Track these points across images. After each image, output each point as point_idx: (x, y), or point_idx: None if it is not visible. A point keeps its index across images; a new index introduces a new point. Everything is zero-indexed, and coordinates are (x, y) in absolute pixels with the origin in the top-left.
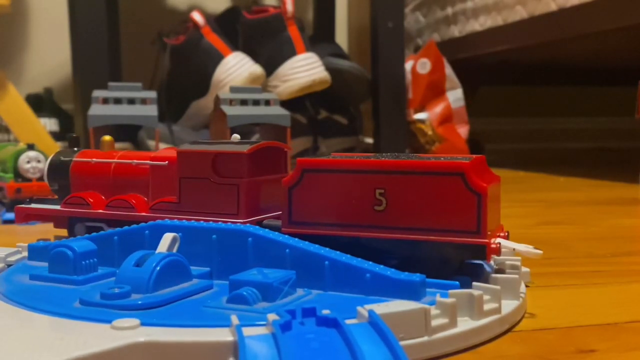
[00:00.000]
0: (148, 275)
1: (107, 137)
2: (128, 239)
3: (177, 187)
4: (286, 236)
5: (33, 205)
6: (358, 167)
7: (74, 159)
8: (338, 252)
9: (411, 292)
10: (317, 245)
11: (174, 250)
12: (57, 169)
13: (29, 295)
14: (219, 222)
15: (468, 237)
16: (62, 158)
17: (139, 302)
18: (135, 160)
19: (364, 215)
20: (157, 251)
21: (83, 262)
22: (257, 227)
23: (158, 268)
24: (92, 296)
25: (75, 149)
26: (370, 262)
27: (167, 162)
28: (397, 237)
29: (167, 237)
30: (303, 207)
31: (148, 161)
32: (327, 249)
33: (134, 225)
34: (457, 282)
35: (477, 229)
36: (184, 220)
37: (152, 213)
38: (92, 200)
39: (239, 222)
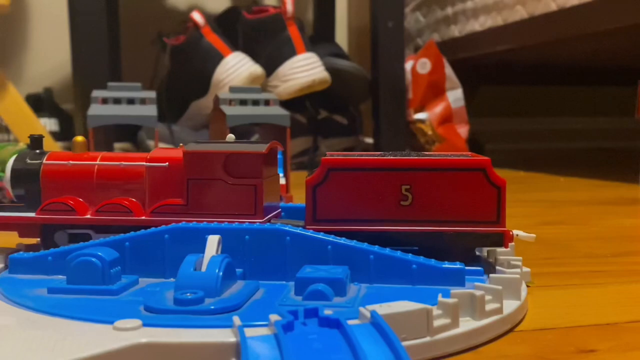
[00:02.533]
0: (215, 279)
1: (79, 138)
2: (143, 244)
3: (184, 188)
4: (321, 233)
5: None
6: (384, 165)
7: (45, 162)
8: (377, 246)
9: (456, 280)
10: (355, 241)
11: (219, 252)
12: (24, 173)
13: (76, 308)
14: (237, 223)
15: (489, 226)
16: (29, 161)
17: (212, 307)
18: (124, 162)
19: (390, 210)
20: (206, 254)
21: (111, 271)
22: (290, 226)
23: (221, 272)
24: (160, 303)
25: (38, 151)
26: (410, 254)
27: (167, 163)
28: (423, 229)
29: (214, 239)
30: (328, 204)
31: (145, 163)
32: (366, 243)
33: (149, 230)
34: (481, 268)
35: (497, 219)
36: (204, 222)
37: (154, 217)
38: (76, 206)
39: (257, 222)
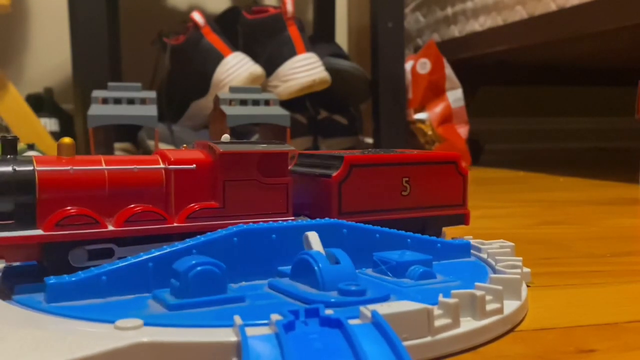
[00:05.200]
0: (354, 271)
1: (66, 140)
2: (212, 249)
3: (219, 190)
4: (362, 224)
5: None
6: (392, 160)
7: (38, 168)
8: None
9: (465, 252)
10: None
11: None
12: (14, 184)
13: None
14: (271, 222)
15: (458, 209)
16: (17, 168)
17: (372, 297)
18: (138, 166)
19: (394, 200)
20: (314, 249)
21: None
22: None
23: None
24: (323, 297)
25: (10, 156)
26: (427, 235)
27: (194, 165)
28: (419, 215)
29: (314, 235)
30: (351, 198)
31: (171, 166)
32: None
33: (215, 234)
34: (469, 242)
35: (463, 202)
36: (261, 222)
37: (190, 222)
38: (97, 217)
39: (288, 219)
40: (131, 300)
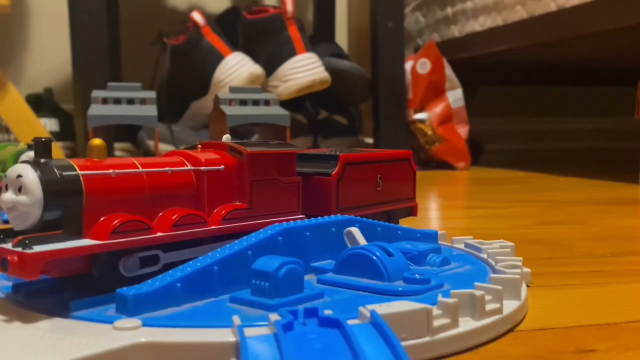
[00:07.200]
0: (407, 262)
1: (97, 141)
2: (262, 250)
3: (246, 191)
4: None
5: (49, 247)
6: (372, 158)
7: (82, 172)
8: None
9: (435, 240)
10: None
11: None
12: (62, 190)
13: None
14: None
15: (410, 202)
16: (64, 173)
17: (436, 284)
18: (171, 168)
19: (372, 195)
20: (361, 244)
21: None
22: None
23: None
24: (392, 287)
25: (43, 160)
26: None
27: (222, 166)
28: (388, 209)
29: (357, 231)
30: (345, 195)
31: (203, 167)
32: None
33: (260, 234)
34: (437, 231)
35: (414, 195)
36: (296, 221)
37: (226, 224)
38: (151, 223)
39: (299, 217)
40: (210, 306)
